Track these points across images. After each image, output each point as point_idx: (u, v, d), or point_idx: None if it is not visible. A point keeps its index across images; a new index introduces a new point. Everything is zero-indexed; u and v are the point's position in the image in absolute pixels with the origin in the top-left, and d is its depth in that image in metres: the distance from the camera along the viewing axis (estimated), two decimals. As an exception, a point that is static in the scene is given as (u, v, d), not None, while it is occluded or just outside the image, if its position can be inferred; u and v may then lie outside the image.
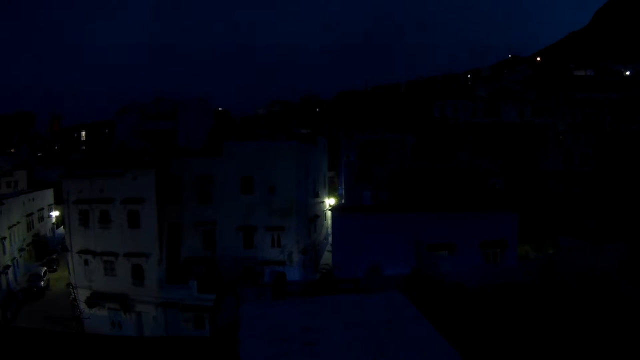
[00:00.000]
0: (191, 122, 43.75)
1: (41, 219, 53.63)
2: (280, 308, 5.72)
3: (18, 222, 44.76)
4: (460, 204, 26.67)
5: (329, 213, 37.52)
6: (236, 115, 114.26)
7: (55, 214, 56.98)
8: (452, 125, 75.31)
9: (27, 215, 48.66)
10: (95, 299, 33.89)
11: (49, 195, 56.81)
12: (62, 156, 76.91)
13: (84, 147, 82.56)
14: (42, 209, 54.15)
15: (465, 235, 24.80)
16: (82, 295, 34.61)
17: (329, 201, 45.90)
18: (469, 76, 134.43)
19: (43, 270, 43.13)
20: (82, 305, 34.11)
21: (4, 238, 40.28)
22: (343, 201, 33.93)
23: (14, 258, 42.62)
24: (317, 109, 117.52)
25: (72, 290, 35.92)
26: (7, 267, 39.85)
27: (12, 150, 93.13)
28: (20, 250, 45.08)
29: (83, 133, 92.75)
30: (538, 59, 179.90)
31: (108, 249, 34.19)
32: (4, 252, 40.01)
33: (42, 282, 41.54)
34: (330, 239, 36.25)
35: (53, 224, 57.12)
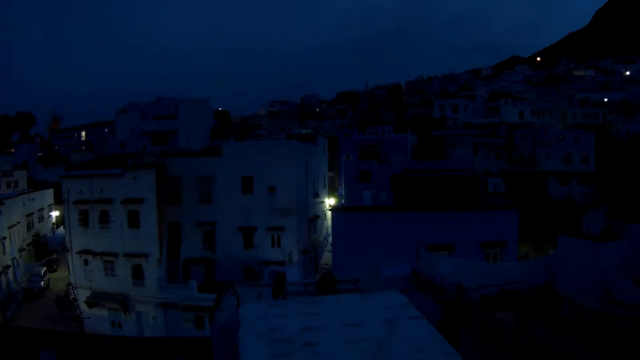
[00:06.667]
0: (191, 122, 43.76)
1: (41, 219, 53.64)
2: (280, 308, 5.72)
3: (18, 222, 44.75)
4: (460, 203, 26.69)
5: (329, 213, 37.50)
6: (236, 115, 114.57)
7: (55, 214, 56.99)
8: (452, 125, 75.37)
9: (27, 215, 48.66)
10: (95, 299, 33.91)
11: (49, 195, 56.83)
12: (62, 156, 77.04)
13: (84, 147, 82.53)
14: (42, 209, 54.16)
15: (466, 235, 24.84)
16: (82, 295, 34.62)
17: (329, 201, 45.90)
18: (469, 76, 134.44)
19: (43, 270, 43.13)
20: (82, 305, 34.12)
21: (4, 238, 40.26)
22: (343, 201, 33.85)
23: (14, 258, 42.61)
24: (317, 109, 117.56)
25: (72, 290, 35.94)
26: (7, 267, 39.83)
27: (12, 150, 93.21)
28: (20, 250, 45.07)
29: (83, 133, 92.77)
30: (538, 59, 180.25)
31: (108, 249, 34.20)
32: (4, 252, 40.00)
33: (42, 282, 41.56)
34: (330, 239, 36.24)
35: (53, 224, 57.12)
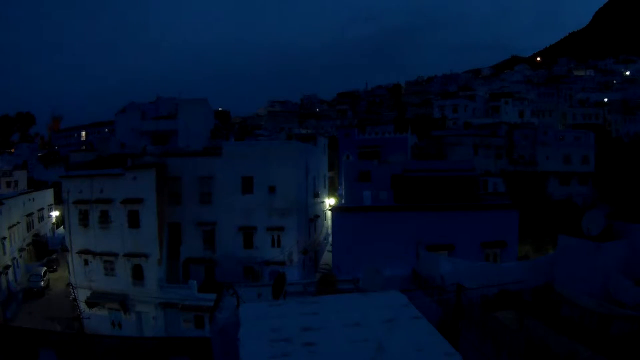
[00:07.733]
0: (191, 122, 43.75)
1: (41, 219, 53.62)
2: (280, 308, 5.72)
3: (18, 222, 44.73)
4: (460, 203, 26.68)
5: (329, 213, 37.50)
6: (236, 115, 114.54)
7: (55, 214, 56.98)
8: (452, 125, 75.39)
9: (27, 215, 48.65)
10: (95, 299, 33.90)
11: (49, 195, 56.81)
12: (62, 156, 77.04)
13: (84, 147, 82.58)
14: (42, 209, 54.14)
15: (466, 235, 24.83)
16: (82, 295, 34.62)
17: (329, 201, 45.87)
18: (469, 76, 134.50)
19: (43, 270, 43.12)
20: (82, 305, 34.11)
21: (4, 238, 40.25)
22: (343, 201, 33.87)
23: (14, 258, 42.60)
24: (317, 109, 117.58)
25: (72, 290, 35.92)
26: (7, 267, 39.81)
27: (12, 150, 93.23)
28: (20, 250, 45.06)
29: (83, 133, 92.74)
30: (538, 59, 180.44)
31: (108, 249, 34.18)
32: (4, 252, 39.98)
33: (42, 282, 41.55)
34: (330, 239, 36.24)
35: (53, 224, 57.11)
